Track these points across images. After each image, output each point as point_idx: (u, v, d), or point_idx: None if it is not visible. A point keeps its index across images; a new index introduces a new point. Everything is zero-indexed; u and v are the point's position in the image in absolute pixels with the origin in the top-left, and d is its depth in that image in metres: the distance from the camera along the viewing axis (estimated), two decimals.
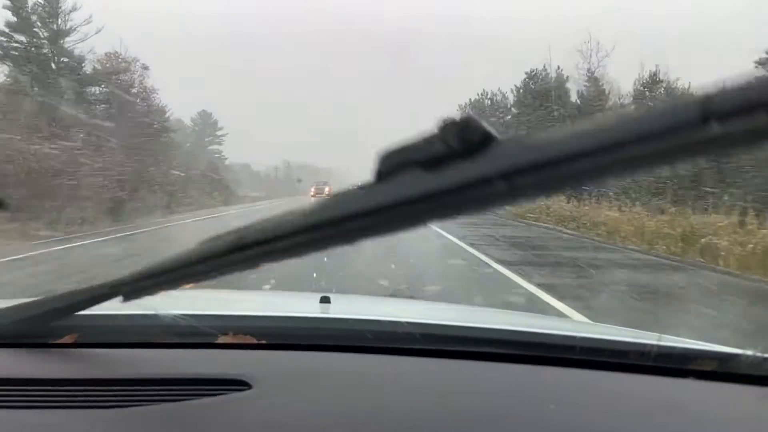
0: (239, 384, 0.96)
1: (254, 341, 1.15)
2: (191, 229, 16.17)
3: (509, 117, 42.79)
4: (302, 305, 1.77)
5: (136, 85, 34.80)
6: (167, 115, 39.80)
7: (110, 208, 20.82)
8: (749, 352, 1.04)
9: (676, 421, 0.92)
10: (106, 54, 32.63)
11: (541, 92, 32.61)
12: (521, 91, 37.46)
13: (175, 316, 1.16)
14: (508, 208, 23.92)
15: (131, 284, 0.88)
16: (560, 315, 5.74)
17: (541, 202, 18.14)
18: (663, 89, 24.12)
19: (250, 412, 0.90)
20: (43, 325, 1.08)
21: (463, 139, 0.53)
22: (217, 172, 44.33)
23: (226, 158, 66.55)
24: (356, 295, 4.46)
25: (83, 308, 1.01)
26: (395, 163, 0.56)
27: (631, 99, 26.22)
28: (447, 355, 1.11)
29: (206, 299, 1.77)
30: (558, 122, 29.77)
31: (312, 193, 49.74)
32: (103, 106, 31.13)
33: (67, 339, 1.10)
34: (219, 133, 68.51)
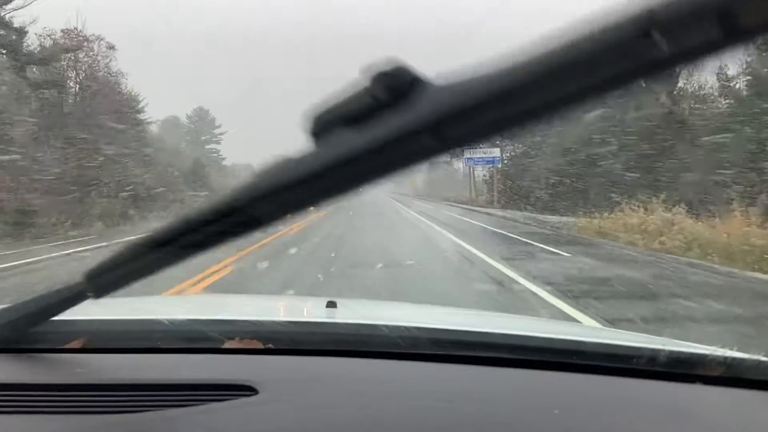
0: (246, 389, 0.96)
1: (261, 346, 1.14)
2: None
3: None
4: (308, 310, 1.75)
5: (101, 69, 29.50)
6: (141, 104, 34.03)
7: (17, 221, 14.67)
8: (756, 357, 1.03)
9: (683, 427, 0.93)
10: (63, 31, 27.46)
11: None
12: None
13: (182, 321, 1.21)
14: (564, 220, 17.40)
15: (96, 281, 0.87)
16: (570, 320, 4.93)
17: (652, 214, 11.56)
18: None
19: (256, 418, 0.91)
20: (39, 331, 1.08)
21: (392, 88, 0.48)
22: (204, 173, 38.12)
23: (223, 158, 63.01)
24: (363, 299, 4.15)
25: (57, 313, 1.00)
26: (324, 123, 0.53)
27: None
28: (454, 360, 1.10)
29: (213, 304, 1.91)
30: (608, 114, 23.21)
31: None
32: (52, 90, 25.32)
33: (74, 344, 1.11)
34: (217, 131, 66.03)
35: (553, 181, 24.08)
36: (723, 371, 1.01)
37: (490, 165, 31.74)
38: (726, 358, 1.02)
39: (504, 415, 0.93)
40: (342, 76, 0.56)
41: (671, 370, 1.02)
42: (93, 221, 18.45)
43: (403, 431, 0.87)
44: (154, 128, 36.89)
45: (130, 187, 24.74)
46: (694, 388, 1.00)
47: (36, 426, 0.88)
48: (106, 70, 29.70)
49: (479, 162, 32.62)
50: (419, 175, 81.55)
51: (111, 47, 29.95)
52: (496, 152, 32.06)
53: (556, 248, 11.27)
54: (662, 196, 12.89)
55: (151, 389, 0.96)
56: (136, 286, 0.81)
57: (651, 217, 11.40)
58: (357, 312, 1.64)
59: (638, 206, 12.63)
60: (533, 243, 12.27)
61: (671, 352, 1.04)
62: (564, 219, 18.89)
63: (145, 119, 33.74)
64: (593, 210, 16.33)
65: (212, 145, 64.15)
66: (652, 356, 1.03)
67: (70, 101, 25.88)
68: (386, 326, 1.16)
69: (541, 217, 19.96)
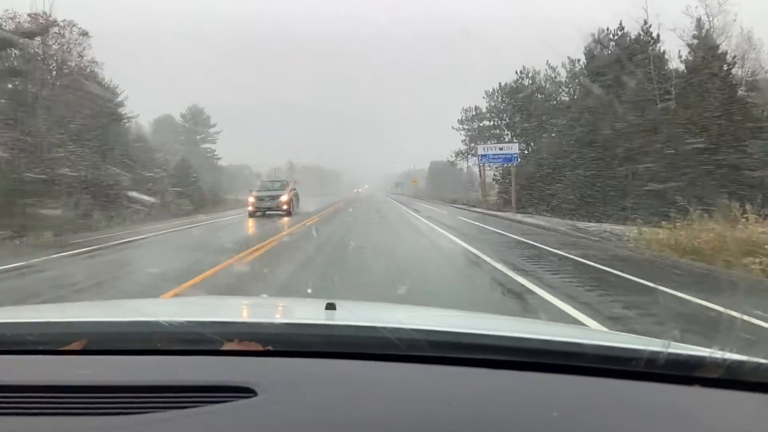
0: (245, 391, 0.96)
1: (260, 348, 1.14)
2: None
3: (564, 97, 33.12)
4: (308, 312, 1.73)
5: (73, 57, 26.71)
6: (120, 98, 31.00)
7: None
8: (755, 359, 1.02)
9: (682, 429, 0.92)
10: (29, 15, 24.94)
11: (622, 54, 22.67)
12: (585, 60, 27.74)
13: (182, 323, 1.20)
14: (608, 228, 14.29)
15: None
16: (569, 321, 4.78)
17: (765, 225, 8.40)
18: None
19: (256, 420, 0.91)
20: (40, 333, 1.16)
21: None
22: (191, 172, 35.01)
23: (219, 158, 60.61)
24: (362, 301, 4.12)
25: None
26: None
27: None
28: (452, 362, 1.10)
29: (212, 306, 1.92)
30: (650, 102, 20.12)
31: (250, 206, 25.09)
32: (15, 80, 22.43)
33: (75, 346, 1.13)
34: (212, 130, 63.99)
35: (583, 180, 20.91)
36: (722, 373, 1.01)
37: (507, 163, 28.35)
38: (725, 360, 1.02)
39: (502, 417, 0.93)
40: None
41: (670, 372, 1.02)
42: (41, 229, 15.32)
43: None
44: (145, 126, 34.06)
45: (106, 188, 21.78)
46: (693, 391, 1.00)
47: (37, 427, 0.89)
48: (78, 60, 26.91)
49: (494, 160, 29.17)
50: (421, 175, 78.29)
51: (84, 34, 27.09)
52: (514, 148, 28.60)
53: (685, 293, 6.34)
54: (758, 201, 9.75)
55: (150, 391, 0.97)
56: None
57: (760, 229, 8.23)
58: (356, 314, 1.62)
59: (729, 212, 9.49)
60: (639, 280, 7.31)
61: (670, 354, 1.04)
62: (606, 226, 15.75)
63: (126, 114, 30.82)
64: (645, 216, 13.21)
65: (207, 145, 61.46)
66: (651, 358, 1.04)
67: (34, 91, 22.86)
68: (385, 328, 1.15)
69: (581, 225, 16.60)
